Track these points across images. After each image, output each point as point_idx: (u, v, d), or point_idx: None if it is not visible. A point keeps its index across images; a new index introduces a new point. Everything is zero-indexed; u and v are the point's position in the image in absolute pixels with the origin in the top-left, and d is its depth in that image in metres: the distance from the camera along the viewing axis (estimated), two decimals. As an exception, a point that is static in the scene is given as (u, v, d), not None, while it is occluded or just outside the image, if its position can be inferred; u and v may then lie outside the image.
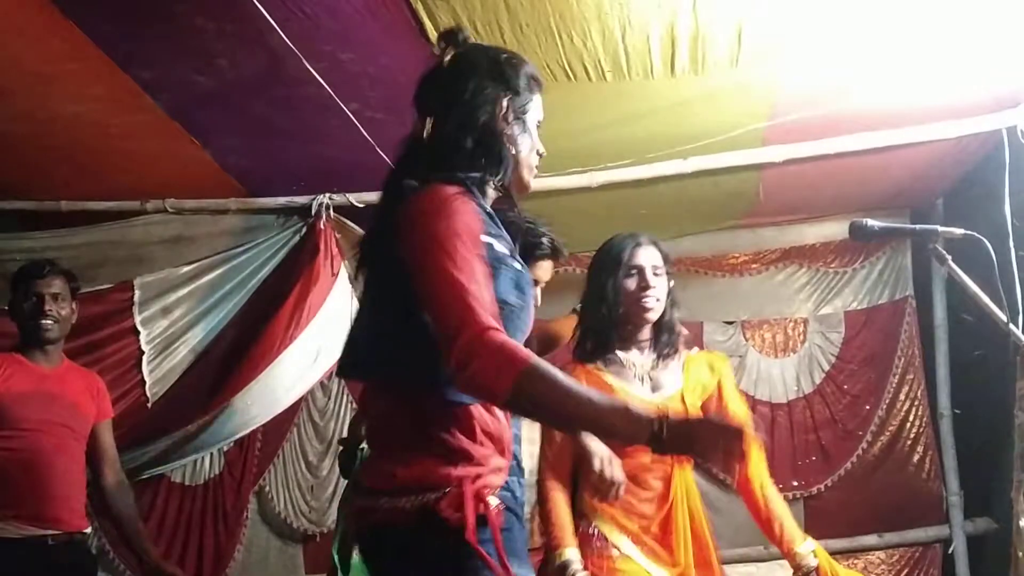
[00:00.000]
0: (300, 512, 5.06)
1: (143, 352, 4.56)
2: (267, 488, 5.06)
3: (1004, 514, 4.37)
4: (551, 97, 3.63)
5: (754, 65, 3.51)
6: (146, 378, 4.55)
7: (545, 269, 3.12)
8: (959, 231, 2.35)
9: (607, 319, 2.92)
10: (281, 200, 4.60)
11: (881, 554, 4.84)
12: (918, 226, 2.52)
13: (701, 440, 1.65)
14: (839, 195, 4.73)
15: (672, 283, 3.00)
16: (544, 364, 1.64)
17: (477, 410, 1.80)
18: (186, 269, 4.63)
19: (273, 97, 3.68)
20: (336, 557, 3.27)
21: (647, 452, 2.43)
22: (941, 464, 4.90)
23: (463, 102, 1.90)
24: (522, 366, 1.60)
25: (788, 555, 2.84)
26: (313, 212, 4.54)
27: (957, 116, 4.06)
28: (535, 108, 1.99)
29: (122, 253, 4.60)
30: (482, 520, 1.71)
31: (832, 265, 5.09)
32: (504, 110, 1.92)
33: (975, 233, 2.31)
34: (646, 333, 2.95)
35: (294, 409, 4.95)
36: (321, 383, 5.00)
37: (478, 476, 1.76)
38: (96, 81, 3.49)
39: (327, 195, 4.53)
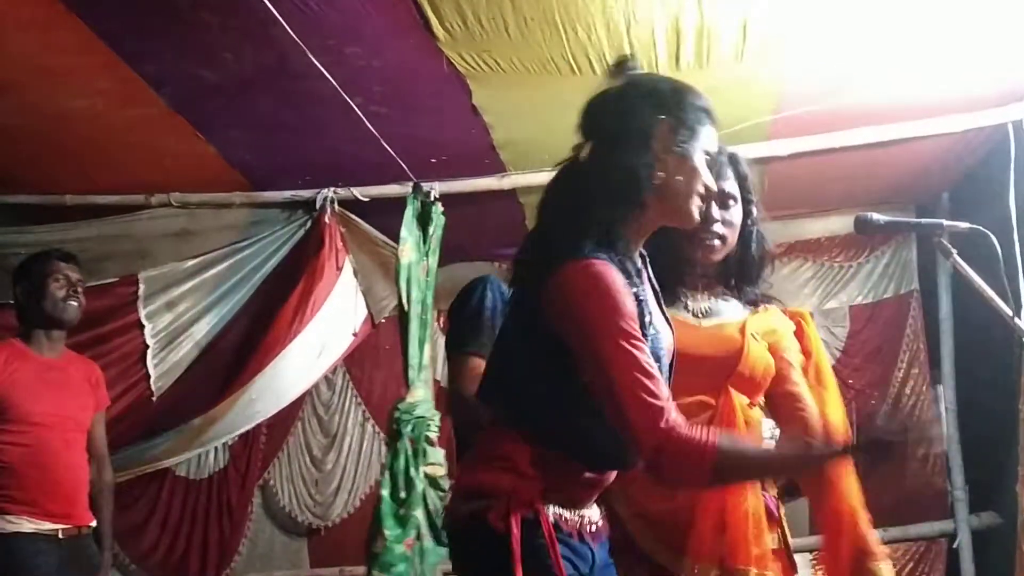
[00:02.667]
0: (305, 506, 5.08)
1: (148, 346, 4.56)
2: (272, 482, 5.07)
3: (1009, 508, 4.37)
4: (556, 91, 3.67)
5: (759, 59, 3.50)
6: (151, 372, 4.56)
7: None
8: (964, 225, 2.34)
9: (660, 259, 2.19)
10: (286, 194, 4.60)
11: (885, 548, 4.82)
12: (923, 220, 2.50)
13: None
14: (844, 189, 4.72)
15: (756, 212, 2.40)
16: (729, 441, 1.76)
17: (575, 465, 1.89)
18: (191, 263, 4.63)
19: (278, 91, 3.68)
20: None
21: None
22: (946, 458, 4.89)
23: (621, 128, 1.90)
24: (712, 456, 1.71)
25: None
26: (318, 206, 4.54)
27: (963, 110, 4.06)
28: (701, 139, 1.94)
29: (127, 247, 4.60)
30: (533, 525, 1.80)
31: (837, 259, 5.08)
32: (663, 138, 1.89)
33: (980, 227, 2.30)
34: (711, 271, 2.37)
35: (298, 403, 4.96)
36: (325, 377, 5.01)
37: (537, 491, 1.85)
38: (101, 75, 3.49)
39: (332, 189, 4.53)
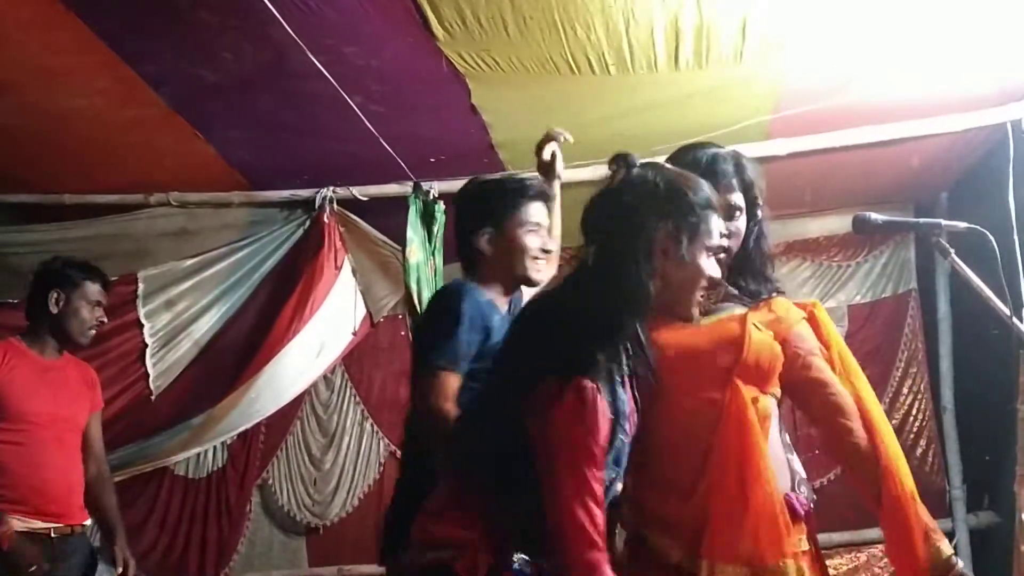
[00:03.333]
0: (303, 505, 5.07)
1: (147, 345, 4.57)
2: (270, 481, 5.07)
3: (1007, 508, 4.37)
4: (555, 90, 3.67)
5: (758, 59, 3.51)
6: (150, 371, 4.56)
7: (538, 210, 2.86)
8: (963, 225, 2.34)
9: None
10: (285, 194, 4.60)
11: (884, 547, 4.83)
12: (922, 220, 2.50)
13: None
14: (843, 189, 4.72)
15: (761, 213, 2.35)
16: None
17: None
18: (190, 262, 4.64)
19: (277, 91, 3.69)
20: None
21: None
22: (944, 458, 4.89)
23: (623, 238, 1.93)
24: None
25: None
26: (317, 206, 4.54)
27: (962, 110, 4.06)
28: (705, 234, 1.98)
29: (126, 246, 4.60)
30: (499, 573, 1.87)
31: (836, 259, 5.08)
32: (665, 245, 1.93)
33: (979, 227, 2.31)
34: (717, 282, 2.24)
35: (297, 402, 4.96)
36: (324, 376, 5.01)
37: (501, 543, 1.90)
38: (100, 75, 3.49)
39: (331, 188, 4.53)
